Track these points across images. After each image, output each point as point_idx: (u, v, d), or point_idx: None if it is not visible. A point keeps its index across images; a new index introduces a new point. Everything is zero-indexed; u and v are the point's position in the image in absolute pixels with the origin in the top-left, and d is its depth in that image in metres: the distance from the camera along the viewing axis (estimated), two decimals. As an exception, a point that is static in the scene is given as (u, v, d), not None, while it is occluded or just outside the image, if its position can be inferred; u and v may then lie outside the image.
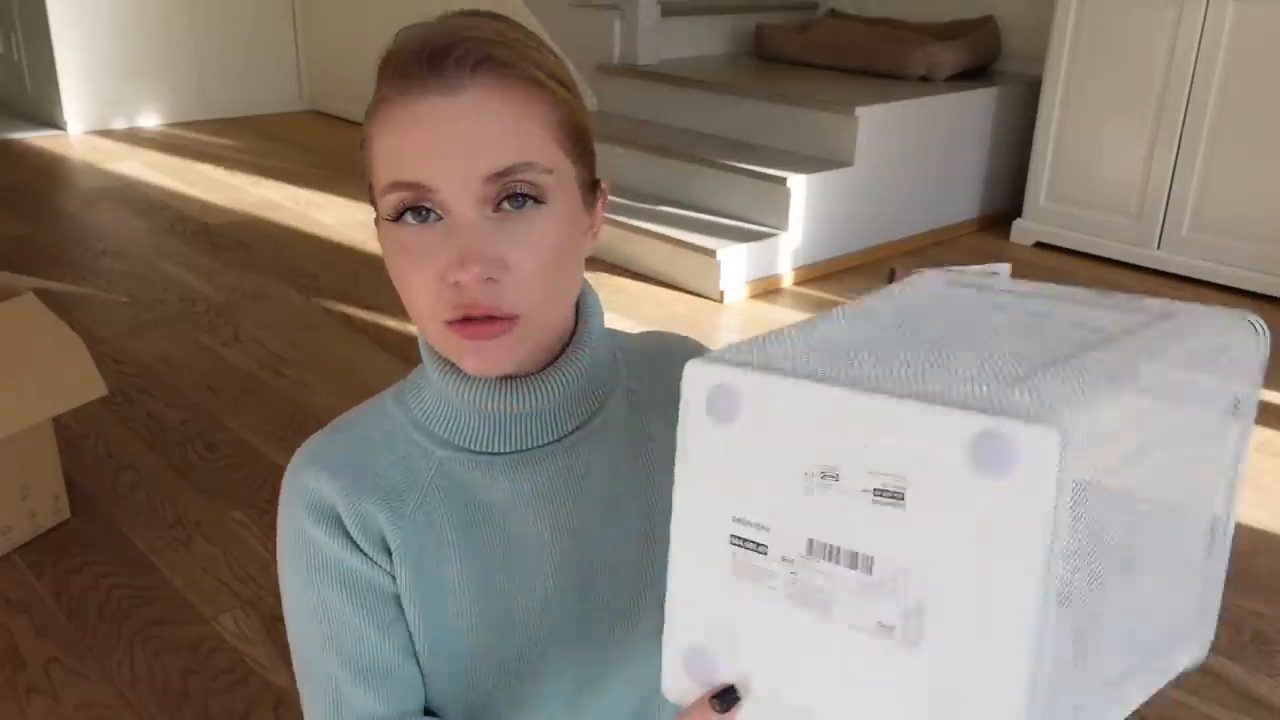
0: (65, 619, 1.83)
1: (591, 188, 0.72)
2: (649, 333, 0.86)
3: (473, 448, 0.74)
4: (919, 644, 0.51)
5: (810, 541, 0.54)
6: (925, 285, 0.68)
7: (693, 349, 0.86)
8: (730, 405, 0.56)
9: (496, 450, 0.74)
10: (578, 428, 0.75)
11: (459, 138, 0.64)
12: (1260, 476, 2.32)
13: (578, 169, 0.70)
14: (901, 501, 0.50)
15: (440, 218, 0.65)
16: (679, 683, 0.61)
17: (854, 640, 0.53)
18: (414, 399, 0.76)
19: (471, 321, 0.66)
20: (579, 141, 0.70)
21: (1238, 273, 3.33)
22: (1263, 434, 2.50)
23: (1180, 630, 0.62)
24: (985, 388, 0.50)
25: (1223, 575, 0.64)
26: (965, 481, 0.48)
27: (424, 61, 0.64)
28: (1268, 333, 0.61)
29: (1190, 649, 0.64)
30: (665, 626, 0.60)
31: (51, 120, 5.34)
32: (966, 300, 0.66)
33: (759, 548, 0.56)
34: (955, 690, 0.50)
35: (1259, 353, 0.61)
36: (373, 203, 0.70)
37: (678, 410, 0.80)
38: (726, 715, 0.58)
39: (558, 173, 0.67)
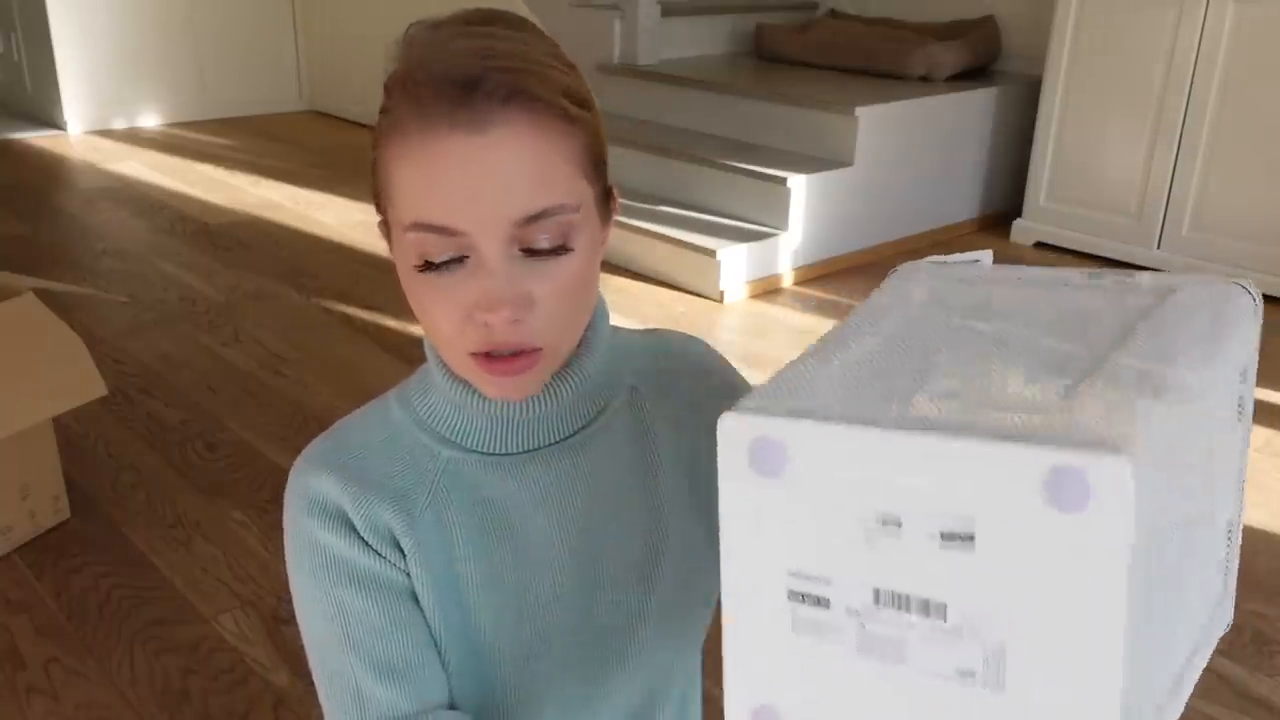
0: (65, 619, 1.83)
1: (605, 198, 0.71)
2: (651, 330, 0.86)
3: (480, 449, 0.74)
4: (1003, 686, 0.48)
5: (876, 591, 0.50)
6: (912, 274, 0.67)
7: (695, 347, 0.86)
8: (775, 457, 0.52)
9: (504, 451, 0.74)
10: (584, 427, 0.75)
11: (489, 178, 0.62)
12: (1260, 476, 2.32)
13: (596, 189, 0.69)
14: (971, 543, 0.47)
15: (466, 256, 0.64)
16: None
17: (933, 687, 0.50)
18: (419, 400, 0.75)
19: (497, 358, 0.66)
20: (598, 162, 0.69)
21: (1238, 273, 3.33)
22: (1262, 434, 2.50)
23: (1208, 621, 0.63)
24: (1039, 412, 0.47)
25: (1236, 564, 0.65)
26: (1038, 519, 0.45)
27: (450, 93, 0.61)
28: (1260, 298, 0.62)
29: (1217, 631, 0.64)
30: (726, 690, 0.57)
31: (51, 120, 5.34)
32: (961, 292, 0.64)
33: (820, 601, 0.52)
34: None
35: (1256, 318, 0.61)
36: (379, 207, 0.69)
37: (679, 406, 0.81)
38: None
39: (584, 205, 0.66)
